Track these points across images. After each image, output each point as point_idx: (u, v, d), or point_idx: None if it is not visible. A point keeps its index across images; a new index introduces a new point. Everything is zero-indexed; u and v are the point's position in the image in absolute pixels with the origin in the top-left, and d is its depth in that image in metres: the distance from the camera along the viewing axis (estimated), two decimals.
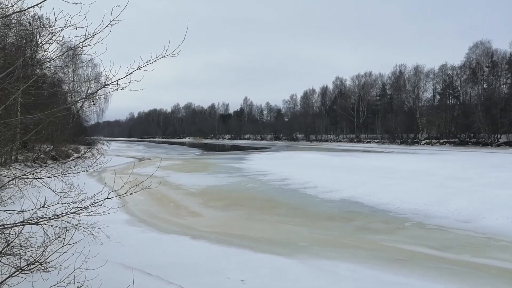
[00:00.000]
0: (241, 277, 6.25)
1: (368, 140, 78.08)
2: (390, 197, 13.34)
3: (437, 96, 70.66)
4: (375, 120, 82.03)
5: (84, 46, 4.22)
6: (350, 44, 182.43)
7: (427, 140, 64.27)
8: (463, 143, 57.79)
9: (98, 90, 5.26)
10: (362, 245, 8.22)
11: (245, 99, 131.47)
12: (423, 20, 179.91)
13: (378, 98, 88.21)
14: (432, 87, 71.27)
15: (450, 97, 68.17)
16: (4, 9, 5.75)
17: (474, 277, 6.43)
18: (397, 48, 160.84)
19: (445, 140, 61.52)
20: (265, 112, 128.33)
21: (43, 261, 3.73)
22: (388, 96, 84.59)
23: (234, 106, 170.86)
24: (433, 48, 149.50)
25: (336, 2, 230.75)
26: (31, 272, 3.69)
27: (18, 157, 21.09)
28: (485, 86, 61.96)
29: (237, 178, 20.68)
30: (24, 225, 3.93)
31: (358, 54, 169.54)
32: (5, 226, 4.05)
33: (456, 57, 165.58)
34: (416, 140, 65.74)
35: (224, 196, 14.93)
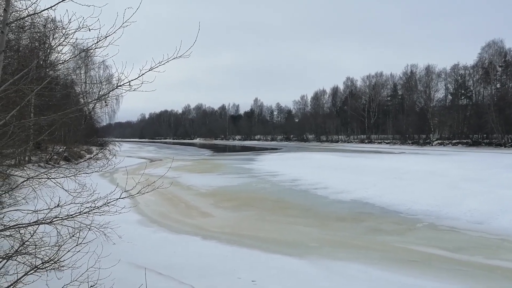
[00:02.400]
0: (252, 277, 6.25)
1: (379, 141, 77.54)
2: (401, 198, 13.24)
3: (449, 96, 69.84)
4: (386, 120, 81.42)
5: (96, 48, 4.28)
6: (356, 45, 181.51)
7: (439, 141, 63.61)
8: (475, 143, 57.07)
9: (110, 91, 5.30)
10: (373, 246, 8.17)
11: (256, 100, 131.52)
12: (430, 20, 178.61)
13: (389, 98, 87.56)
14: (444, 87, 70.45)
15: (463, 97, 67.35)
16: (18, 12, 5.84)
17: (487, 279, 6.34)
18: (405, 49, 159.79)
19: (457, 140, 60.81)
20: (275, 113, 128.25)
21: (57, 260, 3.78)
22: (399, 97, 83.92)
23: (245, 107, 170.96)
24: (444, 48, 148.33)
25: (339, 5, 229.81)
26: (46, 270, 3.74)
27: (31, 158, 21.38)
28: (498, 86, 61.09)
29: (247, 179, 20.70)
30: (38, 224, 3.99)
31: (365, 55, 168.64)
32: (20, 225, 4.11)
33: (468, 57, 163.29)
34: (428, 140, 65.10)
35: (235, 196, 14.95)
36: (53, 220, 4.07)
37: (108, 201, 4.40)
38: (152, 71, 4.09)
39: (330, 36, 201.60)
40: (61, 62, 5.98)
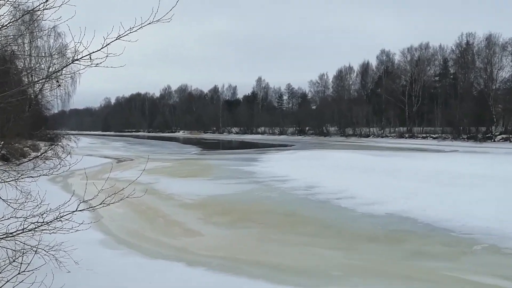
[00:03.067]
0: None
1: (424, 135, 77.44)
2: (453, 211, 13.21)
3: None
4: (433, 108, 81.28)
5: (45, 9, 4.26)
6: (392, 6, 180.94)
7: (504, 135, 63.47)
8: None
9: (64, 67, 5.29)
10: (415, 275, 8.17)
11: (259, 80, 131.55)
12: None
13: (437, 78, 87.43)
14: (511, 63, 70.14)
15: None
16: None
17: None
18: (458, 13, 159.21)
19: None
20: (285, 97, 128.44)
21: None
22: (451, 76, 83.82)
23: (244, 89, 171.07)
24: (509, 11, 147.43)
25: None
26: None
27: None
28: None
29: (247, 185, 20.70)
30: None
31: (405, 20, 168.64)
32: None
33: None
34: (489, 135, 64.98)
35: (231, 208, 14.95)
36: None
37: (61, 214, 4.39)
38: (120, 40, 4.07)
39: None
40: None
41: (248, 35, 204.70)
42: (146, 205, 15.14)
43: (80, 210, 4.35)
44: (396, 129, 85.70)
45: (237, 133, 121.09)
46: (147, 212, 14.33)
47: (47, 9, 4.21)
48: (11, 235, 4.19)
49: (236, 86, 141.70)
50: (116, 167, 29.53)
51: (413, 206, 14.37)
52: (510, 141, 60.56)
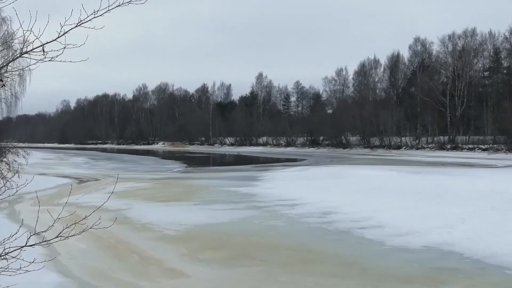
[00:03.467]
0: None
1: (471, 146, 77.49)
2: (509, 244, 13.18)
3: None
4: (482, 111, 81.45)
5: None
6: None
7: None
8: None
9: (9, 62, 5.29)
10: None
11: (260, 77, 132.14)
12: None
13: (487, 74, 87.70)
14: None
15: None
16: None
17: None
18: None
19: None
20: (293, 98, 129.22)
21: None
22: (505, 71, 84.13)
23: (241, 88, 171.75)
24: None
25: None
26: None
27: None
28: None
29: (245, 211, 20.68)
30: None
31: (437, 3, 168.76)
32: None
33: None
34: None
35: (224, 242, 14.92)
36: None
37: (6, 251, 4.38)
38: (81, 27, 4.08)
39: None
40: None
41: (245, 21, 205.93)
42: (116, 238, 15.10)
43: (30, 245, 4.33)
44: (435, 138, 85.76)
45: (232, 144, 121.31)
46: (117, 247, 14.28)
47: None
48: None
49: (230, 84, 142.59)
50: (77, 190, 29.49)
51: (459, 237, 14.33)
52: None
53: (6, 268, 4.40)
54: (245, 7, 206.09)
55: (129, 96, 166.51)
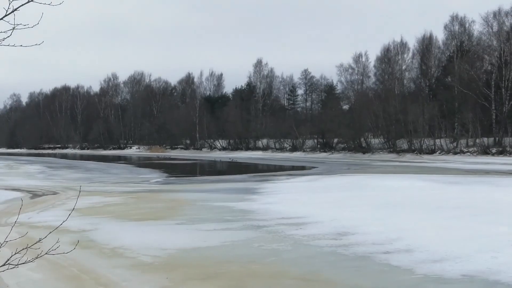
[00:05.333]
0: None
1: None
2: None
3: None
4: None
5: None
6: None
7: None
8: None
9: None
10: None
11: (259, 64, 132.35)
12: None
13: None
14: None
15: None
16: None
17: None
18: None
19: None
20: (300, 91, 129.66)
21: None
22: None
23: (235, 79, 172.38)
24: None
25: None
26: None
27: None
28: None
29: (242, 232, 20.67)
30: None
31: None
32: None
33: None
34: None
35: (216, 271, 14.89)
36: None
37: None
38: (34, 3, 4.08)
39: None
40: None
41: None
42: (79, 267, 15.09)
43: None
44: (477, 140, 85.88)
45: (224, 149, 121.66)
46: (81, 277, 14.27)
47: None
48: None
49: (222, 74, 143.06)
50: (30, 205, 29.49)
51: (507, 263, 14.33)
52: None
53: None
54: None
55: (96, 88, 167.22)
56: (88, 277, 14.34)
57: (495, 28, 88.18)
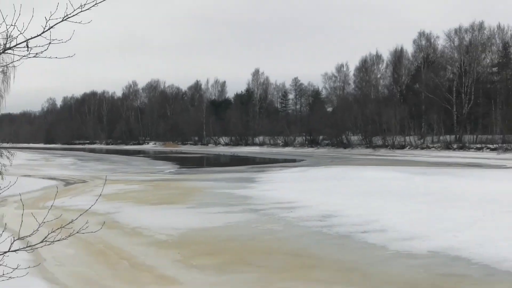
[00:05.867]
0: None
1: (478, 146, 77.62)
2: None
3: None
4: (490, 109, 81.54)
5: None
6: None
7: None
8: None
9: None
10: None
11: (256, 73, 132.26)
12: None
13: (495, 70, 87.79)
14: None
15: None
16: None
17: None
18: None
19: None
20: (291, 96, 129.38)
21: None
22: None
23: (236, 86, 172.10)
24: None
25: None
26: None
27: None
28: None
29: (242, 214, 20.69)
30: None
31: None
32: None
33: None
34: None
35: (220, 247, 14.92)
36: None
37: None
38: (68, 22, 4.08)
39: None
40: None
41: (240, 15, 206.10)
42: (105, 243, 15.09)
43: (14, 251, 4.33)
44: (441, 138, 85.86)
45: (227, 144, 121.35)
46: (106, 252, 14.27)
47: None
48: None
49: (225, 81, 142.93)
50: (64, 192, 29.45)
51: (466, 241, 14.35)
52: None
53: None
54: (241, 1, 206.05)
55: (119, 94, 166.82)
56: (112, 252, 14.35)
57: (456, 42, 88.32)
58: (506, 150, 70.83)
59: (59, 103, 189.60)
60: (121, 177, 41.22)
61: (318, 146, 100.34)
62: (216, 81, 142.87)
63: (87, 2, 3.98)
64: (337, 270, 12.33)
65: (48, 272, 12.01)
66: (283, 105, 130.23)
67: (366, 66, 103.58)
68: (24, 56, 4.24)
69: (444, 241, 14.61)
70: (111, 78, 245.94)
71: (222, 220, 19.50)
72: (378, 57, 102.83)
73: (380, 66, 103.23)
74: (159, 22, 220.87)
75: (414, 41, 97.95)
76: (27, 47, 4.16)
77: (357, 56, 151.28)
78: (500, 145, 73.78)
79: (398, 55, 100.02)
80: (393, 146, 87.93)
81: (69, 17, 4.03)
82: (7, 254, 4.36)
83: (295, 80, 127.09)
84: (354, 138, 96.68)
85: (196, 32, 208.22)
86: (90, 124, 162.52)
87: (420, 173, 37.73)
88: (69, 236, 4.70)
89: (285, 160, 66.98)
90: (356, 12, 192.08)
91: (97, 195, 25.52)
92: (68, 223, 4.69)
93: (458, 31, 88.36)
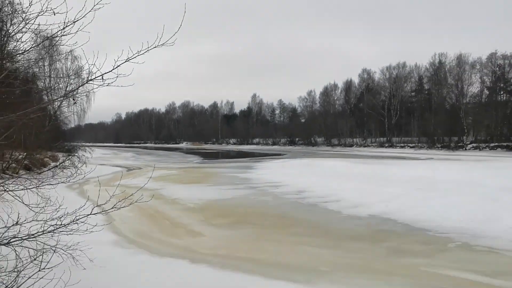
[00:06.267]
0: None
1: (402, 145, 77.73)
2: (429, 213, 13.24)
3: (486, 91, 69.96)
4: (410, 120, 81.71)
5: (63, 35, 4.29)
6: (371, 31, 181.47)
7: (474, 144, 63.75)
8: None
9: (79, 86, 5.32)
10: (396, 271, 8.17)
11: (254, 96, 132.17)
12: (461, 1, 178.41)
13: (413, 94, 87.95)
14: (479, 80, 70.45)
15: (502, 92, 67.47)
16: None
17: None
18: (431, 35, 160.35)
19: (496, 144, 60.94)
20: (277, 111, 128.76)
21: None
22: (426, 92, 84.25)
23: (240, 104, 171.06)
24: (479, 34, 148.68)
25: None
26: None
27: None
28: None
29: (244, 190, 20.70)
30: None
31: (384, 43, 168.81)
32: None
33: (508, 44, 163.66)
34: (460, 144, 65.23)
35: (229, 212, 14.95)
36: (10, 240, 4.06)
37: (77, 217, 4.40)
38: (129, 62, 4.11)
39: (339, 23, 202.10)
40: (20, 52, 5.99)
41: (240, 57, 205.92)
42: (153, 209, 15.12)
43: (94, 214, 4.35)
44: (377, 139, 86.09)
45: (234, 144, 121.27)
46: (154, 215, 14.30)
47: (64, 35, 4.24)
48: (32, 236, 4.20)
49: (233, 102, 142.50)
50: (126, 175, 29.49)
51: (394, 208, 14.39)
52: (480, 150, 60.82)
53: (77, 230, 4.43)
54: (240, 47, 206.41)
55: (163, 110, 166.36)
56: (159, 215, 14.37)
57: (387, 75, 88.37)
58: (420, 147, 70.96)
59: (123, 116, 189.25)
60: (164, 165, 41.21)
61: (295, 145, 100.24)
62: (227, 102, 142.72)
63: (142, 49, 4.01)
64: (307, 227, 12.36)
65: (116, 228, 12.04)
66: (272, 117, 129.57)
67: (327, 92, 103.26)
68: (100, 85, 4.26)
69: (379, 208, 14.66)
70: (157, 99, 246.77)
71: (231, 194, 19.54)
72: (335, 85, 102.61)
73: (336, 91, 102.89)
74: (187, 61, 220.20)
75: (359, 75, 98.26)
76: (102, 79, 4.18)
77: (321, 84, 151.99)
78: (416, 144, 73.94)
79: (348, 84, 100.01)
80: (345, 145, 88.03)
81: (130, 59, 4.05)
82: (89, 216, 4.39)
83: (280, 101, 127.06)
84: (319, 140, 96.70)
85: (214, 67, 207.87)
86: (143, 130, 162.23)
87: (362, 162, 37.77)
88: (130, 204, 4.73)
89: (273, 154, 67.02)
90: (321, 55, 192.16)
91: (148, 177, 25.38)
92: (129, 196, 4.71)
93: (388, 68, 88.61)
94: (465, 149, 62.74)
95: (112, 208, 4.51)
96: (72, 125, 49.25)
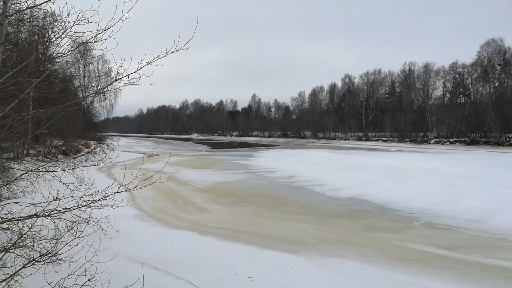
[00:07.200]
0: (249, 273, 6.26)
1: (377, 139, 77.62)
2: (398, 196, 13.26)
3: (447, 95, 69.98)
4: (384, 118, 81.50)
5: (95, 41, 4.25)
6: (355, 42, 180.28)
7: (437, 139, 63.73)
8: (473, 142, 57.20)
9: (108, 85, 5.29)
10: (370, 244, 8.20)
11: (253, 96, 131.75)
12: (430, 16, 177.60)
13: (387, 96, 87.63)
14: (442, 85, 70.69)
15: (461, 96, 67.36)
16: (18, 4, 5.81)
17: (484, 278, 6.37)
18: (403, 47, 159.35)
19: (455, 139, 60.94)
20: (273, 109, 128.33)
21: (55, 253, 3.77)
22: (397, 94, 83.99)
23: (242, 103, 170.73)
24: (443, 46, 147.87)
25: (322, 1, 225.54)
26: (44, 263, 3.74)
27: (30, 151, 21.33)
28: (496, 84, 61.24)
29: (244, 175, 20.71)
30: (36, 217, 3.97)
31: (364, 52, 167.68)
32: (18, 218, 4.10)
33: (467, 55, 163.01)
34: (426, 139, 65.21)
35: (232, 192, 14.96)
36: (51, 213, 4.07)
37: (106, 195, 4.40)
38: (150, 64, 4.08)
39: (325, 35, 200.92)
40: (60, 55, 5.94)
41: (241, 63, 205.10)
42: (169, 189, 15.13)
43: (120, 192, 4.34)
44: (356, 133, 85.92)
45: (237, 135, 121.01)
46: (170, 194, 14.32)
47: (97, 41, 4.21)
48: (69, 210, 4.20)
49: (236, 100, 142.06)
50: (147, 160, 29.48)
51: (369, 191, 14.42)
52: (441, 143, 60.81)
53: (106, 205, 4.42)
54: (241, 55, 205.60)
55: (177, 106, 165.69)
56: (173, 194, 14.38)
57: (365, 80, 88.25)
58: (392, 141, 70.90)
59: (144, 111, 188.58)
60: (178, 153, 41.21)
61: (287, 137, 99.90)
62: (231, 100, 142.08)
63: (161, 54, 3.98)
64: (297, 206, 12.38)
65: (138, 204, 12.06)
66: (268, 114, 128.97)
67: (315, 93, 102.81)
68: (126, 83, 4.23)
69: (357, 191, 14.68)
70: (174, 97, 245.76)
71: (233, 177, 19.56)
72: (321, 88, 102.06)
73: (322, 93, 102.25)
74: (199, 65, 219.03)
75: (342, 79, 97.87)
76: (128, 79, 4.15)
77: (310, 87, 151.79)
78: (388, 138, 73.87)
79: (332, 87, 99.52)
80: (329, 138, 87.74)
81: (151, 62, 4.02)
82: (116, 194, 4.38)
83: (275, 101, 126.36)
84: (307, 133, 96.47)
85: (221, 72, 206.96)
86: (161, 123, 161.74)
87: (343, 153, 37.82)
88: (150, 184, 4.71)
89: (269, 145, 66.98)
90: (310, 62, 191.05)
91: (165, 162, 25.55)
92: (149, 177, 4.70)
93: (366, 73, 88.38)
94: (430, 143, 62.74)
95: (135, 187, 4.50)
96: (102, 118, 49.27)
